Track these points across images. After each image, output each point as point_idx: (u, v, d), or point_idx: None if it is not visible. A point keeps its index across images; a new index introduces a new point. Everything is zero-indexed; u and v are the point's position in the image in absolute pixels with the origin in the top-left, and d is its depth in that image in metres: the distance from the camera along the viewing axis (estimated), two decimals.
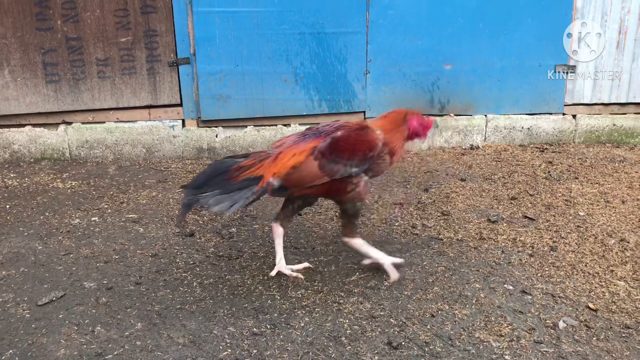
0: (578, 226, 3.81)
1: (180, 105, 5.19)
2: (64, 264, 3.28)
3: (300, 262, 3.28)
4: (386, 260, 3.09)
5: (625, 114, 5.81)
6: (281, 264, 3.15)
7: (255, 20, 5.00)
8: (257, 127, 5.27)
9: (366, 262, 3.16)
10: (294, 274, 3.12)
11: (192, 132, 5.20)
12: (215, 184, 2.77)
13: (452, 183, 4.62)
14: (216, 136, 5.20)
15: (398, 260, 3.16)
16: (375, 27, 5.18)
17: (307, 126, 5.33)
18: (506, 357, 2.50)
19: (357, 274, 3.18)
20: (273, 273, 3.13)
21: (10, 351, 2.50)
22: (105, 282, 3.08)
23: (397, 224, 3.82)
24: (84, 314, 2.79)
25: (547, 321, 2.77)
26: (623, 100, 5.75)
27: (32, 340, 2.57)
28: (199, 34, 4.96)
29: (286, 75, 5.17)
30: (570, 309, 2.87)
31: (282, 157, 2.88)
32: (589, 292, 3.03)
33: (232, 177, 2.79)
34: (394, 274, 3.06)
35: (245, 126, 5.27)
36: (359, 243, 3.08)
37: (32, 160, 5.03)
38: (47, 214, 3.96)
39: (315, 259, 3.35)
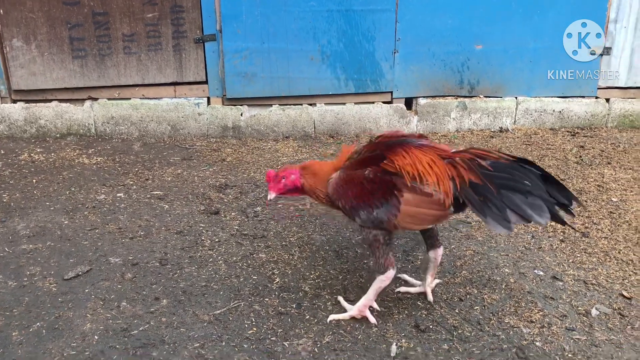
0: (611, 212, 3.71)
1: (206, 82, 5.15)
2: (89, 239, 3.29)
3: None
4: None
5: None
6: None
7: None
8: (282, 106, 5.20)
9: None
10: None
11: (217, 110, 5.16)
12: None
13: None
14: (241, 115, 5.16)
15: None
16: (405, 5, 5.05)
17: (333, 106, 5.27)
18: (537, 343, 2.44)
19: None
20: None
21: (38, 324, 2.51)
22: (130, 258, 3.08)
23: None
24: (110, 289, 2.79)
25: (580, 308, 2.70)
26: None
27: (59, 314, 2.58)
28: (226, 10, 4.89)
29: (313, 53, 5.09)
30: (604, 296, 2.80)
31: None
32: (623, 279, 2.95)
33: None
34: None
35: (271, 105, 5.21)
36: None
37: (58, 135, 5.04)
38: (73, 189, 3.97)
39: (341, 240, 3.31)
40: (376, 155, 2.47)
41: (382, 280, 2.52)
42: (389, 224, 2.41)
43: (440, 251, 2.66)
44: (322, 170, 2.63)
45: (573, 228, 2.41)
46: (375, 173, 2.42)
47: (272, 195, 2.66)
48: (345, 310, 2.61)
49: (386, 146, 2.49)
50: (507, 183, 2.29)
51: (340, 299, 2.70)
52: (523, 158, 2.39)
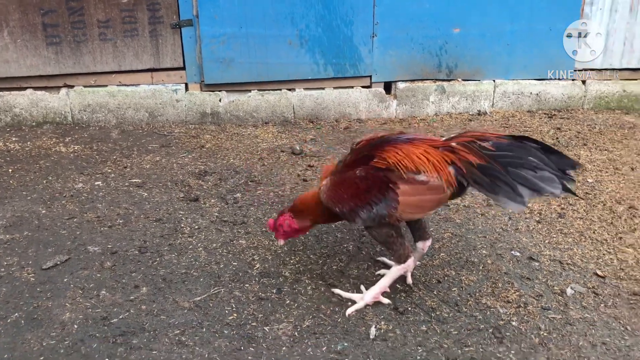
0: (587, 193, 3.77)
1: (183, 68, 5.10)
2: (67, 228, 3.26)
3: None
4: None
5: (636, 79, 5.68)
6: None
7: None
8: (261, 92, 5.18)
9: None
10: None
11: (195, 97, 5.12)
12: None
13: None
14: (220, 101, 5.12)
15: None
16: None
17: (312, 91, 5.26)
18: (513, 323, 2.49)
19: (363, 238, 3.16)
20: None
21: (16, 314, 2.49)
22: (109, 246, 3.06)
23: None
24: (89, 278, 2.78)
25: (555, 288, 2.75)
26: (634, 66, 5.63)
27: (37, 304, 2.56)
28: None
29: (291, 38, 5.06)
30: (578, 275, 2.85)
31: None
32: (597, 259, 3.00)
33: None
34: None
35: (249, 90, 5.18)
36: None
37: (34, 124, 4.97)
38: (50, 178, 3.92)
39: (321, 225, 3.32)
40: (364, 156, 2.48)
41: (403, 269, 2.56)
42: (391, 218, 2.41)
43: (428, 243, 2.68)
44: (306, 200, 2.64)
45: (575, 194, 2.43)
46: (367, 171, 2.42)
47: (281, 242, 2.72)
48: (354, 301, 2.59)
49: (372, 147, 2.49)
50: (512, 161, 2.31)
51: (339, 291, 2.66)
52: (521, 135, 2.43)
